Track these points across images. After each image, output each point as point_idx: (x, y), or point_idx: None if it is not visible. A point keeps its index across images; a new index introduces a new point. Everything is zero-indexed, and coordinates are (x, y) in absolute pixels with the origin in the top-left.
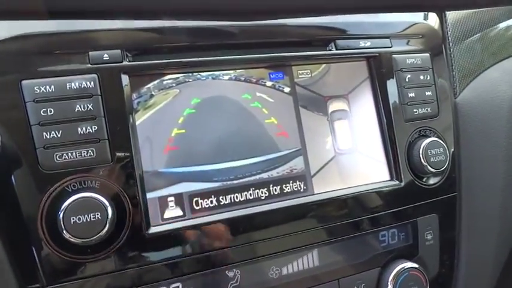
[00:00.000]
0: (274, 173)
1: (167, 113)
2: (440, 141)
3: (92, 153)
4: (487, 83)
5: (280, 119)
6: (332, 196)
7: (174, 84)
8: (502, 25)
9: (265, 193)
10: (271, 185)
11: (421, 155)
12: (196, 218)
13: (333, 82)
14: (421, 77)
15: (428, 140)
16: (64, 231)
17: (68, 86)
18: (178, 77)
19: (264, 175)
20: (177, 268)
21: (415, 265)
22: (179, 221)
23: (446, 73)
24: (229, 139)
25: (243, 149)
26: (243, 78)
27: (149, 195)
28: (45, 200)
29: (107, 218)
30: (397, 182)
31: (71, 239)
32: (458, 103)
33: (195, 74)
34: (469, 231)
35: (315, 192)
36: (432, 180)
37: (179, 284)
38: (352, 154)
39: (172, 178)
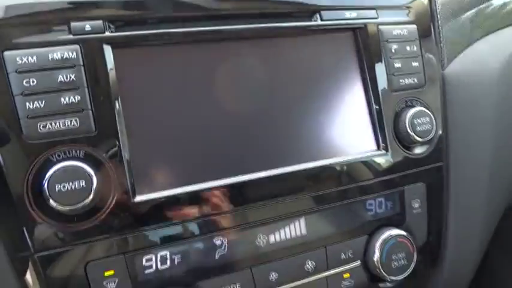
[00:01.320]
0: None
1: (151, 83)
2: (427, 110)
3: (75, 123)
4: (475, 56)
5: None
6: (319, 165)
7: (158, 56)
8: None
9: None
10: None
11: (407, 124)
12: (182, 186)
13: (319, 55)
14: (408, 48)
15: (414, 109)
16: (50, 200)
17: (50, 57)
18: (162, 49)
19: None
20: (164, 236)
21: (402, 232)
22: (165, 189)
23: (434, 45)
24: (215, 110)
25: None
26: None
27: (134, 164)
28: (30, 169)
29: (92, 185)
30: (384, 152)
31: (57, 207)
32: (445, 75)
33: (179, 45)
34: (457, 200)
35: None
36: (419, 150)
37: (167, 252)
38: (339, 125)
39: (158, 146)
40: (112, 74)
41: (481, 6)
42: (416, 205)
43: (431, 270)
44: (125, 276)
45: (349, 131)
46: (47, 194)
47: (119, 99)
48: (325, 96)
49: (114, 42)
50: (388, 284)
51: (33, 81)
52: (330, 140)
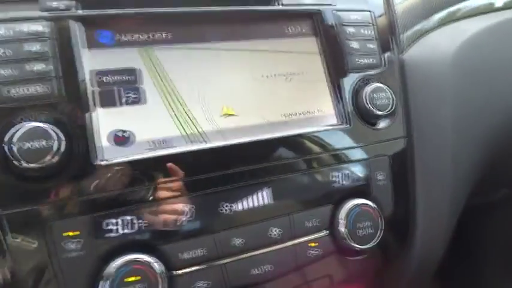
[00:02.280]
0: None
1: (120, 56)
2: (384, 86)
3: (42, 90)
4: (430, 43)
5: None
6: (285, 135)
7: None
8: None
9: None
10: None
11: (366, 99)
12: (147, 151)
13: (281, 38)
14: (363, 31)
15: (372, 85)
16: (13, 159)
17: (18, 29)
18: (131, 29)
19: None
20: (128, 200)
21: (367, 201)
22: (129, 154)
23: (389, 30)
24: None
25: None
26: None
27: (100, 129)
28: None
29: (56, 145)
30: (347, 126)
31: (20, 166)
32: (404, 59)
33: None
34: (423, 174)
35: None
36: (381, 124)
37: (130, 217)
38: (302, 101)
39: (124, 117)
40: (80, 48)
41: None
42: (380, 177)
43: (401, 245)
44: (89, 237)
45: (312, 108)
46: (12, 151)
47: (86, 69)
48: (288, 76)
49: (83, 20)
50: (358, 257)
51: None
52: (293, 115)
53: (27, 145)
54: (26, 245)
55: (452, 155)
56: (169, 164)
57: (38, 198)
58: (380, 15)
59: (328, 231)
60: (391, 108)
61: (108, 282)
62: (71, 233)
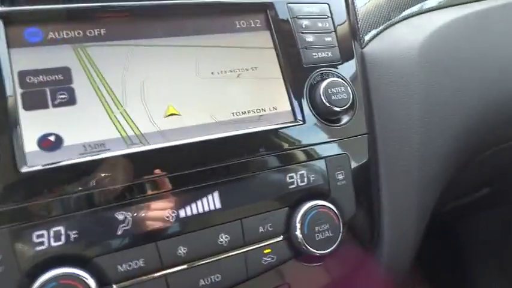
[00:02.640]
0: None
1: (50, 55)
2: (341, 80)
3: None
4: (395, 36)
5: None
6: (234, 134)
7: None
8: None
9: None
10: None
11: (321, 94)
12: (79, 156)
13: (234, 32)
14: (319, 24)
15: (328, 79)
16: None
17: None
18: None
19: None
20: (58, 209)
21: (324, 203)
22: (58, 160)
23: (348, 22)
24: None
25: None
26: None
27: (25, 133)
28: None
29: None
30: (301, 123)
31: None
32: (365, 52)
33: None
34: (388, 174)
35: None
36: (340, 121)
37: (60, 228)
38: (255, 98)
39: (53, 120)
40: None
41: None
42: (340, 177)
43: (365, 250)
44: (10, 251)
45: (265, 105)
46: None
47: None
48: (239, 73)
49: (7, 17)
50: (317, 263)
51: None
52: (245, 113)
53: None
54: None
55: (419, 152)
56: (103, 168)
57: None
58: (338, 8)
59: (283, 236)
60: (349, 103)
61: None
62: None
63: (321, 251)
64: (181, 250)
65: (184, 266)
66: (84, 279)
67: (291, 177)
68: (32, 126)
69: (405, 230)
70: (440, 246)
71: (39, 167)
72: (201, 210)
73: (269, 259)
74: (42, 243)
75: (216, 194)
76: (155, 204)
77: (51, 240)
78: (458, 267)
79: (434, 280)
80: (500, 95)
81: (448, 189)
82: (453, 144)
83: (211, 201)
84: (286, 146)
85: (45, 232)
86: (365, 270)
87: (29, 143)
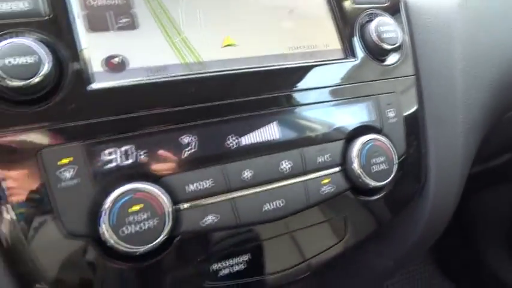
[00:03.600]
0: None
1: None
2: (391, 19)
3: (26, 6)
4: None
5: None
6: (292, 65)
7: None
8: None
9: None
10: None
11: (372, 32)
12: (143, 78)
13: None
14: None
15: (378, 18)
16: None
17: None
18: None
19: None
20: (125, 128)
21: (379, 136)
22: (125, 77)
23: None
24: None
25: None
26: None
27: (92, 54)
28: None
29: (44, 65)
30: (353, 60)
31: (6, 85)
32: (408, 1)
33: None
34: (433, 116)
35: None
36: (389, 60)
37: (129, 146)
38: (308, 35)
39: (116, 43)
40: None
41: None
42: (391, 114)
43: (415, 186)
44: (84, 165)
45: (317, 42)
46: None
47: None
48: (292, 10)
49: None
50: (370, 198)
51: None
52: (298, 48)
53: (13, 61)
54: (16, 174)
55: (463, 98)
56: (168, 91)
57: (27, 123)
58: None
59: (340, 168)
60: (399, 43)
61: (109, 213)
62: (63, 161)
63: (377, 182)
64: (246, 174)
65: (250, 190)
66: (157, 195)
67: (347, 111)
68: (97, 48)
69: (450, 174)
70: (451, 225)
71: (107, 86)
72: (261, 137)
73: (328, 189)
74: (112, 160)
75: (275, 122)
76: (218, 129)
77: (122, 158)
78: (468, 247)
79: (444, 259)
80: None
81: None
82: (491, 95)
83: (272, 129)
84: (339, 80)
85: (115, 150)
86: (411, 213)
87: (95, 64)
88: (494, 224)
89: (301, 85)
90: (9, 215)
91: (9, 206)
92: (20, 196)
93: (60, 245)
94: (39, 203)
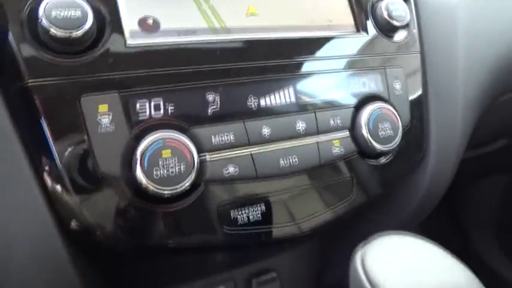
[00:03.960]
0: None
1: None
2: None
3: None
4: None
5: None
6: (309, 36)
7: None
8: None
9: None
10: None
11: (384, 9)
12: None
13: None
14: None
15: None
16: (44, 23)
17: None
18: None
19: None
20: (156, 82)
21: (386, 105)
22: (158, 37)
23: None
24: None
25: None
26: None
27: (129, 12)
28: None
29: (87, 16)
30: (365, 34)
31: (52, 32)
32: None
33: None
34: (435, 92)
35: None
36: (397, 36)
37: (159, 99)
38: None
39: (150, 4)
40: None
41: None
42: (397, 86)
43: (417, 154)
44: (119, 114)
45: (332, 17)
46: (43, 18)
47: None
48: None
49: None
50: (376, 162)
51: None
52: (315, 21)
53: (60, 13)
54: (57, 118)
55: (462, 76)
56: (196, 52)
57: (68, 72)
58: None
59: (350, 132)
60: (407, 20)
61: (142, 157)
62: (101, 108)
63: (383, 146)
64: (265, 130)
65: (268, 146)
66: (185, 143)
67: (356, 81)
68: (134, 9)
69: (449, 147)
70: (442, 212)
71: (143, 43)
72: (280, 100)
73: (338, 150)
74: (144, 111)
75: (292, 87)
76: (239, 89)
77: (152, 109)
78: (458, 236)
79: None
80: None
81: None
82: (489, 76)
83: (289, 92)
84: (351, 52)
85: (146, 101)
86: (412, 183)
87: (132, 23)
88: (484, 213)
89: (316, 54)
90: (52, 157)
91: (52, 148)
92: (62, 140)
93: (96, 187)
94: (79, 147)
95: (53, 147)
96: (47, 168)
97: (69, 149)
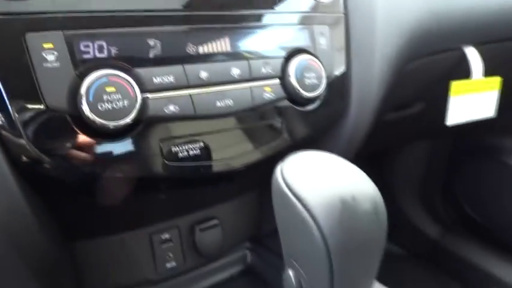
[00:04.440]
0: None
1: None
2: None
3: None
4: None
5: None
6: None
7: None
8: None
9: None
10: None
11: None
12: None
13: None
14: None
15: None
16: None
17: None
18: None
19: None
20: (98, 24)
21: (312, 57)
22: None
23: None
24: None
25: None
26: None
27: None
28: None
29: None
30: None
31: None
32: None
33: None
34: (357, 52)
35: None
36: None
37: (103, 42)
38: None
39: None
40: None
41: None
42: (323, 42)
43: (341, 103)
44: (63, 52)
45: None
46: None
47: None
48: None
49: None
50: (303, 108)
51: None
52: None
53: None
54: (2, 54)
55: (381, 37)
56: None
57: (13, 9)
58: None
59: (280, 81)
60: None
61: (88, 91)
62: (46, 45)
63: (308, 93)
64: (203, 74)
65: (205, 89)
66: (129, 81)
67: (287, 35)
68: None
69: (368, 99)
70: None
71: None
72: (217, 48)
73: (269, 95)
74: (88, 52)
75: (228, 37)
76: (179, 36)
77: (96, 51)
78: (392, 204)
79: None
80: (445, 8)
81: (390, 94)
82: (407, 39)
83: (225, 42)
84: (283, 9)
85: (90, 42)
86: (336, 130)
87: None
88: (410, 176)
89: (252, 9)
90: None
91: None
92: (8, 75)
93: (43, 120)
94: (25, 81)
95: (1, 82)
96: None
97: (16, 84)
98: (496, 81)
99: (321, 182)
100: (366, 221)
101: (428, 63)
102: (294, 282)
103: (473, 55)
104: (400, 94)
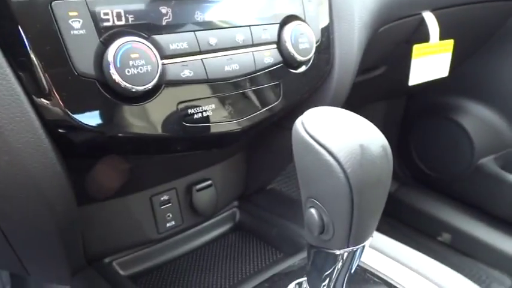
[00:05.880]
0: None
1: None
2: None
3: None
4: None
5: None
6: None
7: None
8: None
9: None
10: None
11: None
12: None
13: None
14: None
15: None
16: None
17: None
18: None
19: None
20: None
21: (304, 23)
22: None
23: None
24: None
25: None
26: None
27: None
28: None
29: None
30: None
31: None
32: None
33: None
34: (338, 19)
35: None
36: None
37: (121, 10)
38: None
39: None
40: None
41: None
42: (311, 9)
43: (326, 66)
44: (87, 20)
45: None
46: None
47: None
48: None
49: None
50: (296, 71)
51: None
52: None
53: None
54: (31, 23)
55: (358, 3)
56: None
57: None
58: None
59: (277, 46)
60: None
61: (114, 59)
62: (71, 13)
63: (302, 57)
64: (212, 40)
65: (215, 54)
66: (150, 46)
67: (280, 2)
68: None
69: (348, 61)
70: None
71: None
72: (221, 15)
73: (268, 60)
74: (108, 19)
75: (230, 5)
76: (187, 4)
77: (115, 19)
78: None
79: None
80: None
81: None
82: (380, 5)
83: (229, 9)
84: None
85: (109, 11)
86: (322, 89)
87: None
88: None
89: None
90: (30, 61)
91: (30, 52)
92: (39, 43)
93: (74, 85)
94: (55, 49)
95: (30, 49)
96: (26, 74)
97: (47, 51)
98: (450, 43)
99: (341, 131)
100: (379, 162)
101: (392, 29)
102: (316, 218)
103: (431, 20)
104: (367, 58)
